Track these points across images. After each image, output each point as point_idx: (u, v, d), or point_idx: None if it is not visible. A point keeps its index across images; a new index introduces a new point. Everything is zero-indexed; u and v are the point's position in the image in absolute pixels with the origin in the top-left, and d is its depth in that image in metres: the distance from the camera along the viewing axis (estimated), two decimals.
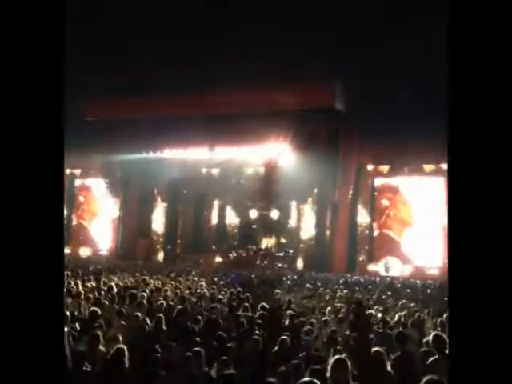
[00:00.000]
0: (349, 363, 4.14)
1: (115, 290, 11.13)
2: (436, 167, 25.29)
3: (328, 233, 27.39)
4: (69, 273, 13.69)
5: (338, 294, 13.49)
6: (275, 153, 26.73)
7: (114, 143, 27.51)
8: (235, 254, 28.65)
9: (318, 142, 25.11)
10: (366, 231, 27.38)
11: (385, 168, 27.18)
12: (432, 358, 5.19)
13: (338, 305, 10.95)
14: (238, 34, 21.61)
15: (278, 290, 13.74)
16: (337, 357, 4.31)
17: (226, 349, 6.36)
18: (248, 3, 21.04)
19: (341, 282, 18.70)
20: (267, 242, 29.22)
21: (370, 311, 9.90)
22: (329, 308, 10.28)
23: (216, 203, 31.65)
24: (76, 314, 8.32)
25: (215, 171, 30.40)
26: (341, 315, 9.37)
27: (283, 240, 29.68)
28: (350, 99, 23.67)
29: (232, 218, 31.27)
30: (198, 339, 6.53)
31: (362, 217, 27.44)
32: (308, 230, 28.62)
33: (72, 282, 11.24)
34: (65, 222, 31.34)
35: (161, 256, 31.09)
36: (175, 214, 31.91)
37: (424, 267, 25.36)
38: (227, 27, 22.18)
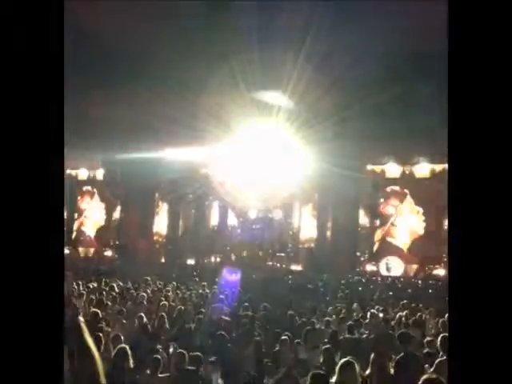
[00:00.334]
0: (356, 365, 4.13)
1: (116, 290, 11.15)
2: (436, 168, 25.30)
3: (329, 233, 27.40)
4: (68, 273, 13.64)
5: (338, 295, 13.50)
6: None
7: (116, 142, 27.49)
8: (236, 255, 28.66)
9: None
10: (368, 231, 27.37)
11: (386, 168, 27.19)
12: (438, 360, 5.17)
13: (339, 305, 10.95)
14: None
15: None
16: (345, 359, 4.29)
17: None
18: None
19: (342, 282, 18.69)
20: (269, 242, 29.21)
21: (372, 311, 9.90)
22: None
23: (216, 203, 31.64)
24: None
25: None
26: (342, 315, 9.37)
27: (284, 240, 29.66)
28: None
29: (232, 219, 31.26)
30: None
31: (364, 217, 27.44)
32: (309, 230, 28.62)
33: (74, 283, 11.25)
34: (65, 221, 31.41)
35: (162, 256, 31.10)
36: (176, 214, 31.92)
37: (425, 267, 25.33)
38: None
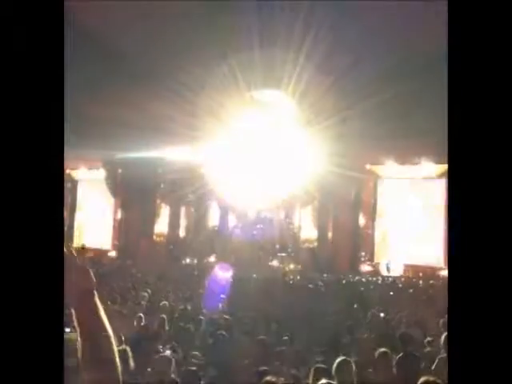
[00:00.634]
0: (353, 364, 4.14)
1: (117, 290, 11.15)
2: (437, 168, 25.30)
3: (330, 233, 27.42)
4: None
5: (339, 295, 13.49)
6: None
7: (116, 142, 27.51)
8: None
9: None
10: (368, 231, 27.39)
11: (387, 168, 27.19)
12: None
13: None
14: None
15: None
16: (341, 358, 4.31)
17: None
18: None
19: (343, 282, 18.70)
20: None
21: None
22: None
23: (217, 204, 31.64)
24: None
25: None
26: None
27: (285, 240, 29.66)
28: None
29: (233, 219, 31.27)
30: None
31: (364, 217, 27.45)
32: (310, 230, 28.63)
33: None
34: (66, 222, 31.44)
35: (162, 256, 31.10)
36: (177, 214, 31.94)
37: (426, 267, 25.34)
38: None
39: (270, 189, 28.14)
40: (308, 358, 6.17)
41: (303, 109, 24.47)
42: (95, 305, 1.64)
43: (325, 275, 21.93)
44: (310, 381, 4.34)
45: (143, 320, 7.88)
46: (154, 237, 31.87)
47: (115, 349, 1.68)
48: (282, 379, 4.13)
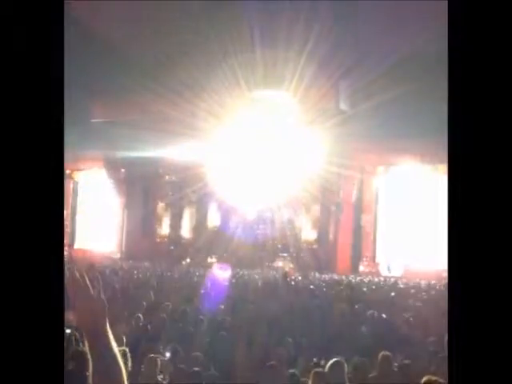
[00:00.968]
0: (345, 365, 4.15)
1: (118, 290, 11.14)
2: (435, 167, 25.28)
3: (331, 233, 27.41)
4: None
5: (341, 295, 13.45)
6: None
7: (118, 143, 27.55)
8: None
9: None
10: (369, 231, 27.37)
11: (387, 168, 27.17)
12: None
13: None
14: None
15: None
16: (334, 359, 4.32)
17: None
18: None
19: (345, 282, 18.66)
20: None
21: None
22: None
23: (218, 204, 31.62)
24: None
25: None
26: None
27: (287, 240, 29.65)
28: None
29: (234, 219, 31.24)
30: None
31: (365, 217, 27.43)
32: (312, 231, 28.62)
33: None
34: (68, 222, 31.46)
35: (163, 257, 31.09)
36: (178, 215, 31.94)
37: (426, 267, 25.31)
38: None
39: (271, 189, 28.13)
40: (309, 359, 6.17)
41: (304, 109, 24.47)
42: (106, 330, 1.70)
43: (326, 276, 21.91)
44: None
45: (144, 321, 7.87)
46: (155, 237, 31.87)
47: (122, 368, 1.76)
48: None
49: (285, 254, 28.70)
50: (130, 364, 4.91)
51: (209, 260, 28.98)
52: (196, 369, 5.31)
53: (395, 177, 27.18)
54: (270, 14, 21.47)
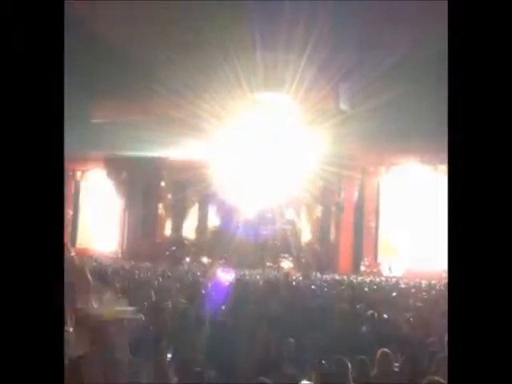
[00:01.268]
0: (348, 364, 4.16)
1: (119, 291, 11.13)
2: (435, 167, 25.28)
3: (333, 234, 27.42)
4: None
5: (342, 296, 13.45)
6: None
7: (120, 143, 27.56)
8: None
9: None
10: (371, 232, 27.37)
11: (389, 168, 27.17)
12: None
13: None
14: None
15: None
16: (337, 357, 4.33)
17: None
18: None
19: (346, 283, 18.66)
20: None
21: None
22: None
23: (219, 204, 31.63)
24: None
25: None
26: None
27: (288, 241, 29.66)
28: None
29: (235, 219, 31.23)
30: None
31: (366, 217, 27.43)
32: (313, 231, 28.62)
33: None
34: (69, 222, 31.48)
35: (165, 257, 31.11)
36: (179, 215, 31.95)
37: (427, 267, 25.30)
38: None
39: (272, 189, 28.14)
40: (310, 359, 6.17)
41: (305, 110, 24.46)
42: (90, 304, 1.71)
43: (327, 276, 21.91)
44: None
45: (145, 321, 7.86)
46: (157, 237, 31.88)
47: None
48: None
49: (286, 255, 28.70)
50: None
51: (210, 260, 29.00)
52: (197, 369, 5.32)
53: (395, 177, 27.17)
54: (270, 15, 21.47)
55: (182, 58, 22.91)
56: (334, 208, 27.35)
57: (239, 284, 15.62)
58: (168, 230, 31.96)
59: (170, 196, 31.95)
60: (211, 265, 27.35)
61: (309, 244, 28.60)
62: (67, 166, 29.80)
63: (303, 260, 28.12)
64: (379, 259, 26.96)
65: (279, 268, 26.74)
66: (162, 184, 31.55)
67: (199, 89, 24.44)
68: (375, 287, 17.18)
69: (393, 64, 20.14)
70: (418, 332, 7.83)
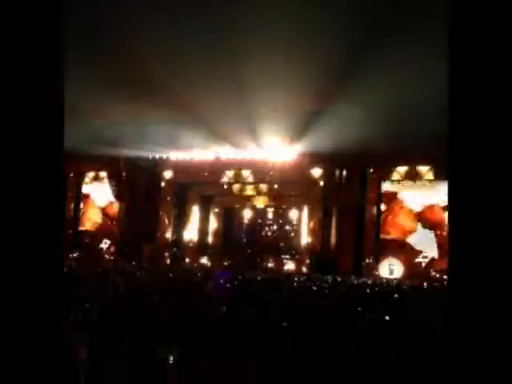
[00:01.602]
0: None
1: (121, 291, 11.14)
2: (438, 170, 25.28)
3: (334, 235, 27.41)
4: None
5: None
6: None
7: (121, 143, 27.60)
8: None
9: None
10: (371, 233, 27.37)
11: (389, 169, 27.17)
12: None
13: None
14: None
15: None
16: None
17: None
18: None
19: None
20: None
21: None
22: None
23: (221, 206, 31.66)
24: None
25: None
26: None
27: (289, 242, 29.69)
28: None
29: (237, 221, 31.28)
30: None
31: (367, 218, 27.43)
32: (314, 232, 28.62)
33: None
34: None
35: (166, 259, 31.16)
36: (181, 216, 31.97)
37: (427, 268, 25.32)
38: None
39: (273, 190, 28.14)
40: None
41: (306, 109, 24.46)
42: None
43: (329, 277, 21.91)
44: None
45: (146, 320, 7.86)
46: (158, 239, 31.89)
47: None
48: None
49: (287, 256, 28.71)
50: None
51: (211, 261, 29.00)
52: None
53: (396, 177, 27.16)
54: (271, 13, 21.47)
55: (181, 58, 22.94)
56: (335, 209, 27.35)
57: (240, 285, 15.63)
58: (169, 231, 31.98)
59: (171, 197, 31.96)
60: (212, 266, 27.36)
61: (310, 245, 28.60)
62: (67, 165, 29.85)
63: (304, 261, 28.13)
64: (380, 261, 26.96)
65: (280, 269, 26.76)
66: (164, 184, 31.57)
67: (200, 90, 24.45)
68: (376, 289, 17.17)
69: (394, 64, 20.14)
70: (417, 332, 7.81)
